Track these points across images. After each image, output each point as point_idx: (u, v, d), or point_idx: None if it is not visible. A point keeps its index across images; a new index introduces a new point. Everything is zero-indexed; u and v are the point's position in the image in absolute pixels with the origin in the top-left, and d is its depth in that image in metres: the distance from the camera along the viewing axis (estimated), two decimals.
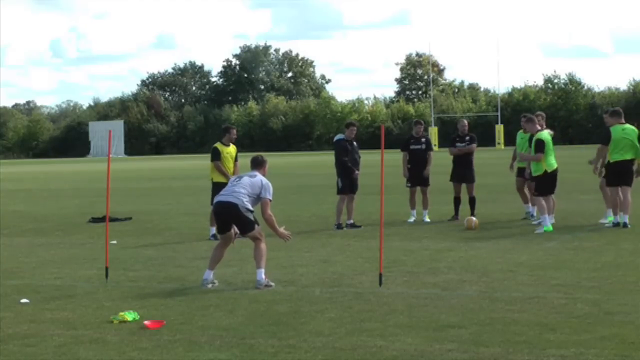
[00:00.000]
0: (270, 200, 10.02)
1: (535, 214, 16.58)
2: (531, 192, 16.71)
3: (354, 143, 16.08)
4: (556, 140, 16.23)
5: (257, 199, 9.98)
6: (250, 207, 9.87)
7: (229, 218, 9.93)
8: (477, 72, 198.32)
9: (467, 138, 17.16)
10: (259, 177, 10.13)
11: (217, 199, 10.16)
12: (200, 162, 48.37)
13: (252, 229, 9.85)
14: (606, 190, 15.13)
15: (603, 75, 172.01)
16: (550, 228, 14.31)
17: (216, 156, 14.78)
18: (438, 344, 6.97)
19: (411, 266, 11.08)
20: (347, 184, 15.85)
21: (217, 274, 10.09)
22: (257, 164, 10.39)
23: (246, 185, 9.96)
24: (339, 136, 16.21)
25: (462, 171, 17.05)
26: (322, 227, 16.30)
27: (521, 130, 17.28)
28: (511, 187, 17.25)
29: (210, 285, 9.87)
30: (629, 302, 8.45)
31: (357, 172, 15.95)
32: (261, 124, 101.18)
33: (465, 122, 17.58)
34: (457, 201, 17.04)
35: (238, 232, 10.08)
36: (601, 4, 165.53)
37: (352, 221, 15.92)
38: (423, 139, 17.20)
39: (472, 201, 16.82)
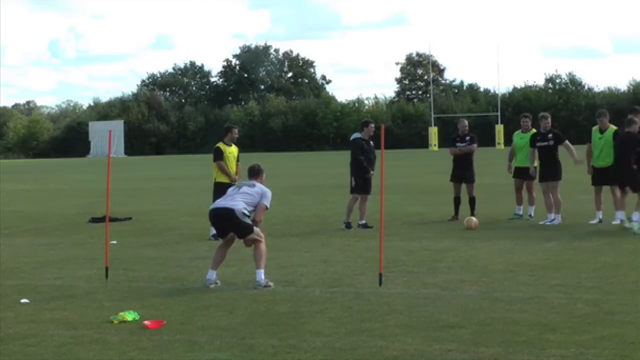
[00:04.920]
0: (267, 208, 10.09)
1: (533, 214, 16.61)
2: (531, 192, 16.74)
3: (371, 142, 16.01)
4: None
5: (256, 206, 10.04)
6: (247, 213, 9.89)
7: (225, 224, 9.94)
8: (477, 73, 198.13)
9: (468, 138, 17.14)
10: (258, 185, 10.17)
11: (213, 206, 10.22)
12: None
13: (250, 232, 9.86)
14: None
15: (602, 76, 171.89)
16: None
17: (219, 156, 14.75)
18: (438, 344, 6.97)
19: (411, 266, 11.08)
20: (361, 183, 15.79)
21: (218, 273, 10.09)
22: (255, 173, 10.42)
23: (245, 194, 10.01)
24: (355, 135, 16.07)
25: (462, 171, 17.04)
26: (322, 227, 16.29)
27: (518, 131, 17.27)
28: (511, 187, 17.25)
29: (213, 285, 9.88)
30: (629, 302, 8.46)
31: (372, 172, 15.88)
32: (261, 124, 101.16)
33: (466, 122, 17.54)
34: (457, 201, 17.03)
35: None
36: (599, 5, 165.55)
37: (364, 221, 15.85)
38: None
39: (472, 201, 16.82)
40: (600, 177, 15.70)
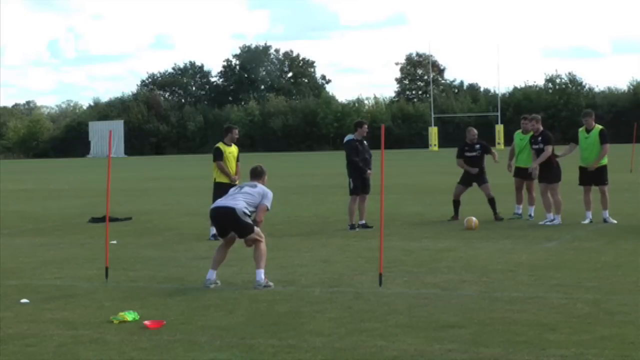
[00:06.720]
0: (268, 209, 10.11)
1: (532, 214, 16.59)
2: (531, 192, 16.73)
3: (365, 142, 15.98)
4: (557, 141, 16.22)
5: (257, 206, 10.05)
6: (248, 213, 9.91)
7: (226, 223, 9.95)
8: (477, 72, 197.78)
9: (478, 147, 17.01)
10: (260, 186, 10.18)
11: (214, 205, 10.24)
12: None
13: (251, 231, 9.87)
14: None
15: (602, 76, 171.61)
16: None
17: (219, 156, 14.75)
18: (438, 344, 6.97)
19: (411, 266, 11.08)
20: (359, 184, 15.78)
21: (218, 273, 10.10)
22: (257, 175, 10.43)
23: (246, 194, 10.03)
24: (349, 137, 16.02)
25: (473, 176, 16.99)
26: (322, 227, 16.29)
27: (519, 131, 17.25)
28: (511, 187, 17.24)
29: (212, 285, 9.89)
30: (629, 302, 8.45)
31: (369, 171, 15.85)
32: (261, 124, 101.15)
33: (475, 130, 17.23)
34: (456, 204, 16.95)
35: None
36: (599, 5, 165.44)
37: (364, 221, 15.83)
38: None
39: (491, 202, 16.69)
40: (587, 177, 15.80)
